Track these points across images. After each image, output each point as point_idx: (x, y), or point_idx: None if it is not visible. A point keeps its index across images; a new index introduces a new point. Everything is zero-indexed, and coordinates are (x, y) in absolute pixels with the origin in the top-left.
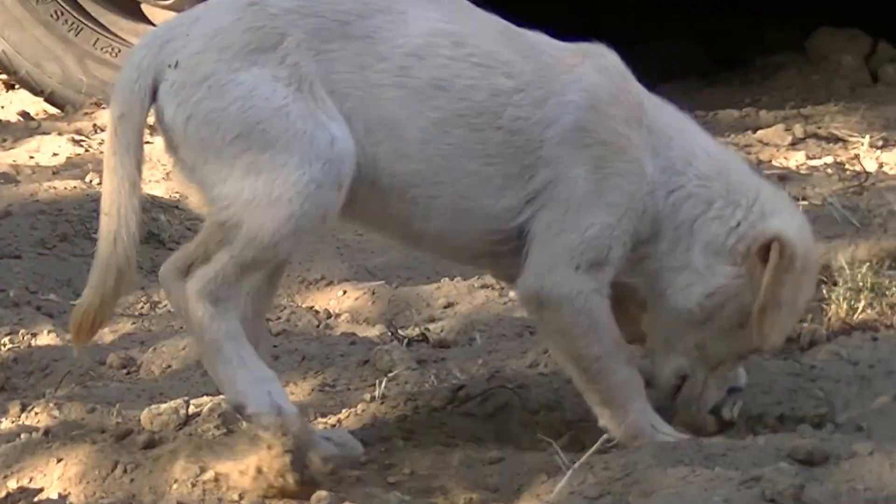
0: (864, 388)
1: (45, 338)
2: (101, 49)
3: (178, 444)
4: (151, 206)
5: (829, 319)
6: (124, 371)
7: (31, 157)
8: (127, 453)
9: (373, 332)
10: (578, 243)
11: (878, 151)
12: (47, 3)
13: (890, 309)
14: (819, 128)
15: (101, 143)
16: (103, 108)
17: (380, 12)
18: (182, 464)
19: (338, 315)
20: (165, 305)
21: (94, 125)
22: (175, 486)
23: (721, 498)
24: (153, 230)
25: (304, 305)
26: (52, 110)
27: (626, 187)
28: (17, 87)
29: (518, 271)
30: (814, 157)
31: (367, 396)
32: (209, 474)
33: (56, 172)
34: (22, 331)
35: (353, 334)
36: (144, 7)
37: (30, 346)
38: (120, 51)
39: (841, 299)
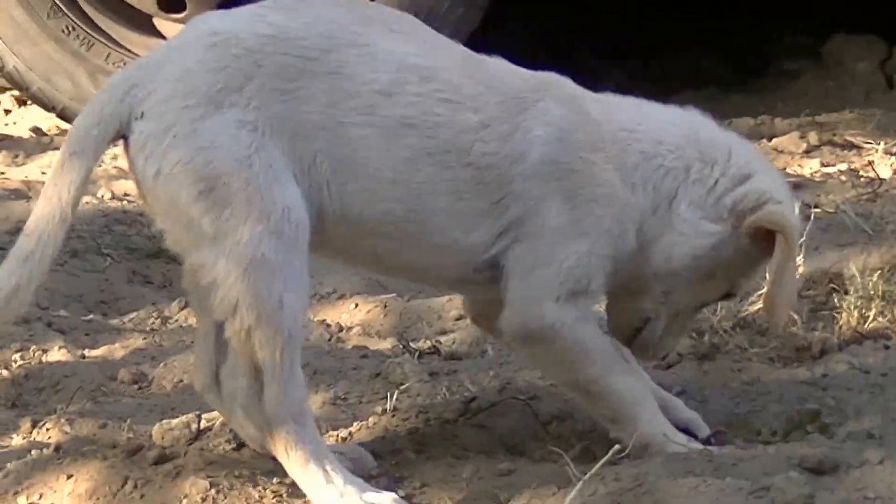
0: (875, 396)
1: (56, 354)
2: (114, 64)
3: (189, 459)
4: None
5: (841, 328)
6: (136, 386)
7: (44, 174)
8: (138, 469)
9: (384, 344)
10: (556, 275)
11: (893, 158)
12: (59, 19)
13: None
14: (834, 135)
15: (113, 158)
16: None
17: (345, 46)
18: (193, 479)
19: (349, 328)
20: (177, 320)
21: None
22: (185, 502)
23: None
24: (164, 245)
25: (315, 319)
26: (65, 126)
27: (598, 212)
28: (29, 102)
29: (490, 298)
30: (828, 165)
31: (379, 409)
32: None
33: None
34: (33, 347)
35: (365, 347)
36: (156, 21)
37: (41, 362)
38: None
39: (852, 308)
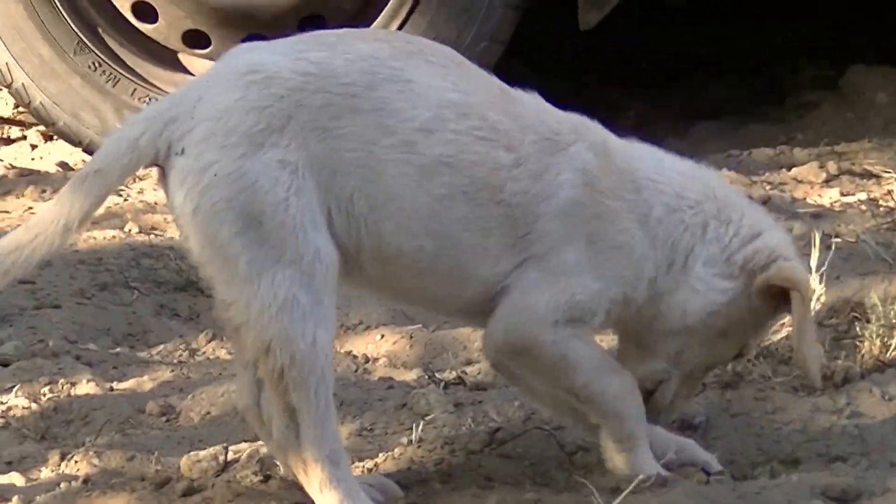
0: None
1: (85, 387)
2: (139, 99)
3: (217, 491)
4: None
5: (863, 356)
6: (163, 418)
7: None
8: (166, 501)
9: (410, 375)
10: (564, 302)
11: None
12: (85, 55)
13: None
14: (853, 164)
15: (139, 193)
16: None
17: (387, 82)
18: None
19: (376, 359)
20: (204, 353)
21: (134, 175)
22: None
23: None
24: (192, 278)
25: (342, 350)
26: None
27: (615, 258)
28: (55, 137)
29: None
30: (847, 194)
31: (405, 440)
32: None
33: (95, 222)
34: (62, 380)
35: (391, 378)
36: (181, 57)
37: (69, 395)
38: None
39: (874, 336)
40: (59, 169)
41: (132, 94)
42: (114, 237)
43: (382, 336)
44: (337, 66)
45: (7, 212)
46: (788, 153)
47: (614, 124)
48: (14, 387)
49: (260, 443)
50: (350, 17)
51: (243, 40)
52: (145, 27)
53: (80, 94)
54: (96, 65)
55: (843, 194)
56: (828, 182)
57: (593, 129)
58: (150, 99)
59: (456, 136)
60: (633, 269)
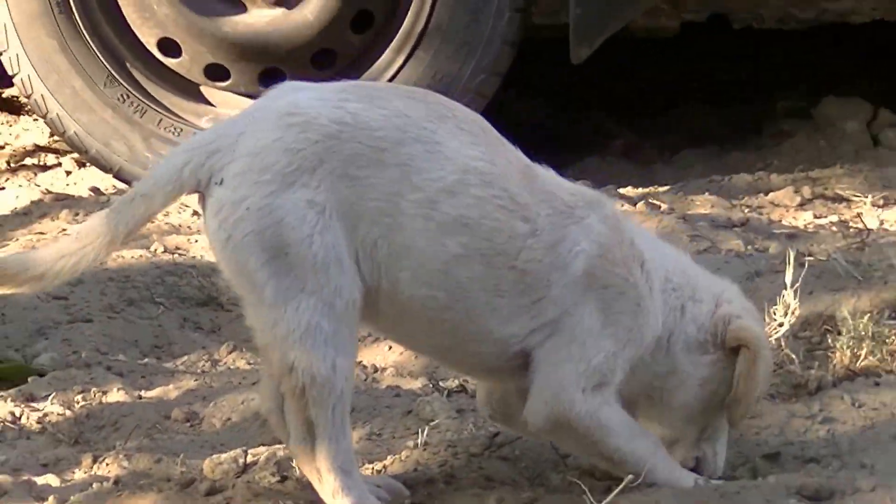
0: (867, 428)
1: (115, 395)
2: (165, 129)
3: (237, 491)
4: (212, 271)
5: (835, 366)
6: (188, 424)
7: None
8: (190, 500)
9: (416, 384)
10: (584, 370)
11: (880, 210)
12: (115, 88)
13: (890, 356)
14: (825, 189)
15: (165, 215)
16: None
17: (416, 141)
18: None
19: (383, 369)
20: (225, 363)
21: None
22: None
23: None
24: (213, 294)
25: None
26: (121, 186)
27: (629, 324)
28: (88, 164)
29: (515, 386)
30: (820, 217)
31: (411, 444)
32: None
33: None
34: (94, 389)
35: (398, 387)
36: (203, 89)
37: (101, 402)
38: (182, 130)
39: (845, 347)
40: (92, 193)
41: (158, 124)
42: (141, 256)
43: (390, 347)
44: (371, 120)
45: (43, 233)
46: (766, 178)
47: (603, 151)
48: (50, 395)
49: (277, 446)
50: (359, 52)
51: (261, 73)
52: (170, 61)
53: (111, 124)
54: (125, 97)
55: (816, 217)
56: (802, 205)
57: (605, 203)
58: (174, 128)
59: (477, 202)
60: (642, 330)
